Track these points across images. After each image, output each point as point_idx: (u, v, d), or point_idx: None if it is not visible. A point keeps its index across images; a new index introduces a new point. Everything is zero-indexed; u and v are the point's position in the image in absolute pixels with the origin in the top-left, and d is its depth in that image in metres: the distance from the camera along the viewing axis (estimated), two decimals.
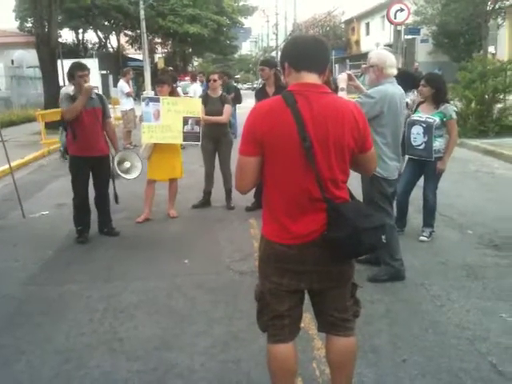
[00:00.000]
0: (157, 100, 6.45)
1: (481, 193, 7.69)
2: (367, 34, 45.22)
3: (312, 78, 2.39)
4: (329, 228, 2.35)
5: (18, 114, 20.89)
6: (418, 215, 5.93)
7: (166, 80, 6.84)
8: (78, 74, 5.65)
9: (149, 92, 13.81)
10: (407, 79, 6.14)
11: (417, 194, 5.82)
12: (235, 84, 16.30)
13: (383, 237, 2.45)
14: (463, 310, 4.03)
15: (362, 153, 2.47)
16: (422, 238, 5.63)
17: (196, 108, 6.63)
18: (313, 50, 2.41)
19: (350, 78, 4.44)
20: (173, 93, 6.91)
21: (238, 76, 75.21)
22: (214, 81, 7.13)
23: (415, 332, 3.71)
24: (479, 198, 7.34)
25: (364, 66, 4.50)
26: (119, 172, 6.12)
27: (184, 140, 6.63)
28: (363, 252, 2.52)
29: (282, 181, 2.38)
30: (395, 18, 17.26)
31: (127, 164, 6.23)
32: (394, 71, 4.40)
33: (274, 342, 2.58)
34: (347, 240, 2.30)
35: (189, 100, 7.92)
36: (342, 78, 4.34)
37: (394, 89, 4.36)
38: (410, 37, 27.00)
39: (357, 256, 2.58)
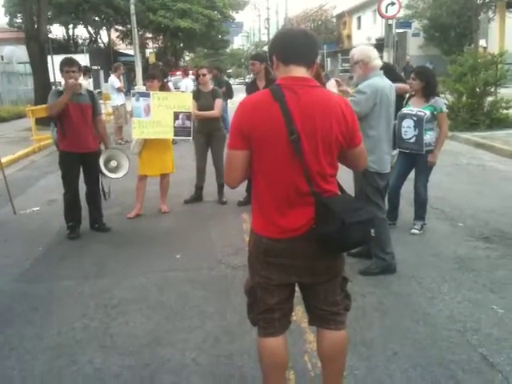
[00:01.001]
0: (147, 95, 6.42)
1: (472, 185, 7.72)
2: (359, 28, 45.20)
3: (300, 72, 2.39)
4: (317, 222, 2.35)
5: (9, 110, 20.75)
6: (410, 208, 5.94)
7: (156, 75, 6.80)
8: (65, 69, 5.65)
9: (140, 87, 13.72)
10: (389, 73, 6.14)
11: (408, 187, 5.83)
12: (227, 79, 16.25)
13: (372, 230, 2.45)
14: (454, 301, 4.04)
15: (350, 148, 2.47)
16: (413, 230, 5.65)
17: (187, 103, 6.60)
18: (301, 43, 2.41)
19: (338, 83, 4.53)
20: (163, 87, 6.88)
21: (230, 70, 75.06)
22: (204, 75, 7.08)
23: (406, 324, 3.72)
24: (470, 191, 7.37)
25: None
26: (103, 170, 5.99)
27: (175, 135, 6.60)
28: (352, 246, 2.52)
29: (270, 175, 2.38)
30: (386, 12, 17.25)
31: (113, 163, 6.08)
32: (379, 62, 4.47)
33: (264, 336, 2.58)
34: (335, 234, 2.30)
35: (179, 95, 7.88)
36: (331, 85, 4.42)
37: (383, 81, 4.41)
38: (401, 30, 27.07)
39: (345, 250, 2.58)
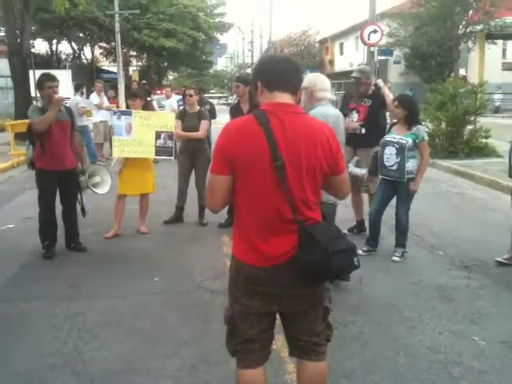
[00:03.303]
0: (129, 113, 6.37)
1: (452, 213, 7.75)
2: (341, 53, 45.84)
3: (285, 98, 2.38)
4: (300, 250, 2.31)
5: None
6: (391, 235, 5.92)
7: (139, 94, 6.76)
8: (47, 85, 5.55)
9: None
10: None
11: (390, 214, 5.82)
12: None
13: (355, 259, 2.40)
14: (435, 332, 3.99)
15: (334, 175, 2.45)
16: (394, 258, 5.61)
17: (169, 122, 6.56)
18: (285, 70, 2.40)
19: None
20: (147, 106, 6.83)
21: (213, 91, 75.30)
22: (190, 96, 7.03)
23: (387, 355, 3.67)
24: (451, 219, 7.39)
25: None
26: (90, 186, 5.99)
27: (156, 154, 6.55)
28: (334, 275, 2.47)
29: (252, 200, 2.34)
30: (369, 39, 17.49)
31: (97, 178, 6.10)
32: (326, 94, 4.42)
33: (243, 367, 2.50)
34: (318, 263, 2.26)
35: (162, 114, 7.85)
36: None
37: (328, 110, 4.35)
38: (383, 58, 27.46)
39: (328, 279, 2.53)
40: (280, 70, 2.39)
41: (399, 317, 4.28)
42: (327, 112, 4.30)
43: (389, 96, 6.11)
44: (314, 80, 4.41)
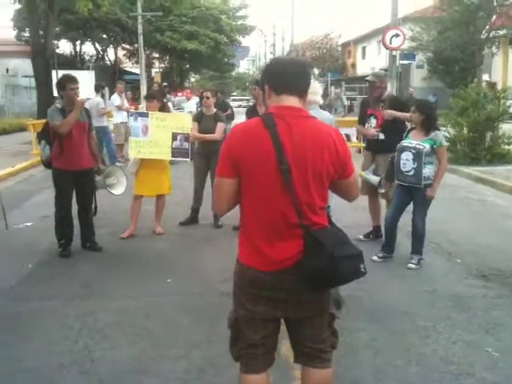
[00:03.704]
0: (145, 115, 6.41)
1: (471, 221, 7.62)
2: (363, 57, 45.58)
3: (292, 101, 2.35)
4: (305, 255, 2.28)
5: (11, 122, 20.76)
6: (407, 241, 5.83)
7: (156, 95, 6.80)
8: (69, 86, 5.61)
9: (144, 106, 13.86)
10: (397, 106, 6.14)
11: (406, 220, 5.74)
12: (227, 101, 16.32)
13: (362, 266, 2.36)
14: (449, 342, 3.91)
15: (342, 179, 2.42)
16: (410, 265, 5.53)
17: (185, 124, 6.59)
18: (293, 73, 2.37)
19: None
20: (163, 108, 6.85)
21: (234, 93, 75.53)
22: (207, 98, 7.05)
23: (398, 364, 3.60)
24: (469, 226, 7.26)
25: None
26: (107, 186, 6.08)
27: (173, 156, 6.57)
28: (340, 281, 2.40)
29: (258, 204, 2.32)
30: (391, 43, 17.35)
31: (113, 180, 6.17)
32: (316, 98, 4.36)
33: (246, 372, 2.48)
34: (324, 268, 2.22)
35: (178, 116, 7.90)
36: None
37: (318, 114, 4.25)
38: (405, 62, 27.26)
39: (334, 285, 2.48)
40: (287, 73, 2.37)
41: (413, 325, 4.20)
42: (318, 117, 4.27)
43: (404, 116, 5.99)
44: None
